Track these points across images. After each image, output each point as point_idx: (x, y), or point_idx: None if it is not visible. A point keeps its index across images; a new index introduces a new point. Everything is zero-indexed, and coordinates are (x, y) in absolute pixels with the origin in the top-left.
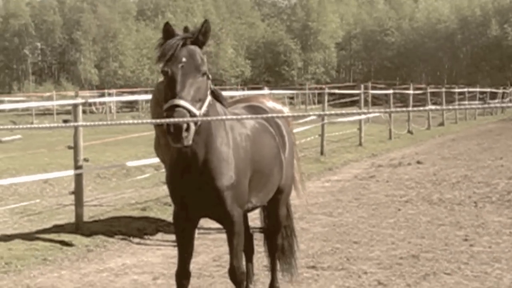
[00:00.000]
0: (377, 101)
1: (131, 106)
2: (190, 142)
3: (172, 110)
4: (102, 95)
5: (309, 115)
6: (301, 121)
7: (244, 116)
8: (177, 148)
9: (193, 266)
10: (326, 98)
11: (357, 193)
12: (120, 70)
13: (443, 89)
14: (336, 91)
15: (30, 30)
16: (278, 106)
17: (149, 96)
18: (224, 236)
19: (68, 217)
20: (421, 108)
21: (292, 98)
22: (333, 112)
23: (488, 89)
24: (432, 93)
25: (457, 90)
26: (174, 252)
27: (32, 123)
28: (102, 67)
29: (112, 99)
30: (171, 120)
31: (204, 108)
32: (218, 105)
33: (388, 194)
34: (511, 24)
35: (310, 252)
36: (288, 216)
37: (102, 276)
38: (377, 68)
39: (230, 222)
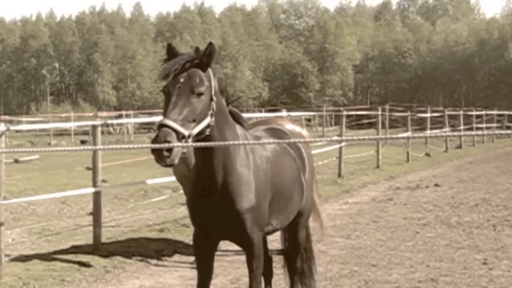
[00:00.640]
0: (394, 123)
1: (148, 127)
2: (175, 162)
3: (159, 129)
4: (120, 116)
5: (331, 140)
6: (319, 143)
7: (251, 142)
8: (196, 170)
9: None
10: (344, 120)
11: (375, 216)
12: (137, 91)
13: (461, 112)
14: (354, 112)
15: (49, 50)
16: (297, 128)
17: None
18: (242, 258)
19: (86, 237)
20: (439, 134)
21: (309, 120)
22: (355, 137)
23: (506, 112)
24: (450, 116)
25: (474, 113)
26: (192, 273)
27: (50, 143)
28: (120, 88)
29: (130, 120)
30: (171, 145)
31: (199, 128)
32: (238, 127)
33: (406, 217)
34: None
35: (328, 275)
36: (307, 238)
37: None
38: (394, 90)
39: (250, 245)
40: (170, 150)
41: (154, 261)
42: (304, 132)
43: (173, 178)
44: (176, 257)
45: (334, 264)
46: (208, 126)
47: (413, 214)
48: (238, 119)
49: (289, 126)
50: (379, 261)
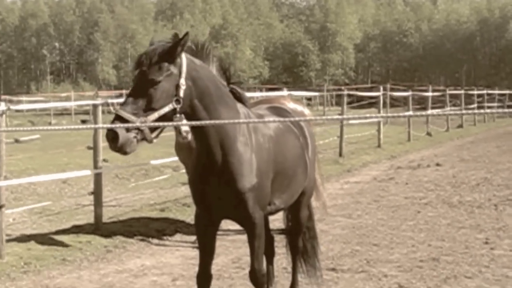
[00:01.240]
0: (395, 102)
1: None
2: (127, 149)
3: (112, 120)
4: (120, 95)
5: (332, 118)
6: (319, 122)
7: (245, 120)
8: (196, 150)
9: (212, 268)
10: (345, 100)
11: (376, 195)
12: None
13: (462, 91)
14: (355, 92)
15: (49, 30)
16: (299, 107)
17: None
18: (243, 237)
19: (87, 217)
20: (441, 113)
21: (310, 99)
22: (356, 115)
23: (507, 91)
24: (451, 95)
25: (476, 92)
26: (193, 253)
27: (50, 123)
28: (120, 68)
29: None
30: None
31: (156, 115)
32: (240, 106)
33: (407, 196)
34: None
35: (330, 254)
36: (310, 217)
37: (121, 277)
38: (395, 70)
39: (251, 224)
40: (116, 139)
41: (155, 241)
42: (306, 111)
43: (174, 158)
44: (178, 236)
45: (335, 243)
46: (173, 112)
47: (415, 194)
48: (240, 98)
49: (291, 105)
50: (381, 241)
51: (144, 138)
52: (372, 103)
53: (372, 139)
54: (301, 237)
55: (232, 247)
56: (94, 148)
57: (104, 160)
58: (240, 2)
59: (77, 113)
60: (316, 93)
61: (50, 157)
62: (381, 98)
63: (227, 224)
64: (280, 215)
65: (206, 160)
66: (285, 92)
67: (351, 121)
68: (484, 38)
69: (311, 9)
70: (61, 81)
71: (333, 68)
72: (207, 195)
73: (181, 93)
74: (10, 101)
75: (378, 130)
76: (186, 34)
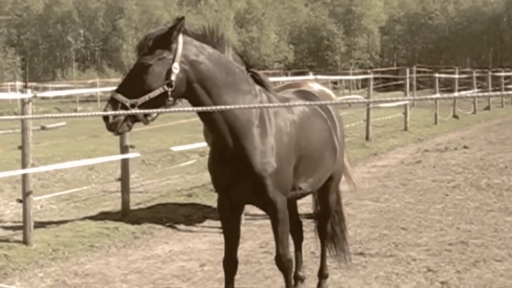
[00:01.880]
0: (421, 85)
1: None
2: (119, 129)
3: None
4: None
5: (359, 101)
6: (346, 105)
7: (251, 106)
8: (212, 135)
9: (240, 253)
10: (371, 83)
11: (404, 179)
12: None
13: (489, 73)
14: (381, 75)
15: (74, 17)
16: (326, 90)
17: None
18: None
19: (114, 203)
20: (468, 95)
21: (335, 83)
22: (382, 99)
23: None
24: (478, 77)
25: (503, 74)
26: (220, 238)
27: (76, 110)
28: None
29: None
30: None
31: (147, 98)
32: (259, 90)
33: (435, 180)
34: None
35: (357, 239)
36: (338, 201)
37: (149, 263)
38: (421, 52)
39: (273, 209)
40: (106, 119)
41: (182, 226)
42: (333, 94)
43: (200, 144)
44: (205, 222)
45: (363, 227)
46: (166, 95)
47: (442, 177)
48: (261, 82)
49: (317, 87)
50: (409, 224)
51: (137, 120)
52: (398, 86)
53: (399, 122)
54: (329, 221)
55: (259, 232)
56: (121, 135)
57: (130, 146)
58: None
59: (102, 100)
60: (342, 77)
61: (76, 144)
62: (407, 80)
63: (254, 209)
64: (307, 199)
65: (221, 145)
66: (311, 76)
67: (377, 104)
68: (511, 19)
69: None
70: (86, 68)
71: (359, 52)
72: (225, 180)
73: (173, 77)
74: (36, 88)
75: (405, 113)
76: (182, 18)
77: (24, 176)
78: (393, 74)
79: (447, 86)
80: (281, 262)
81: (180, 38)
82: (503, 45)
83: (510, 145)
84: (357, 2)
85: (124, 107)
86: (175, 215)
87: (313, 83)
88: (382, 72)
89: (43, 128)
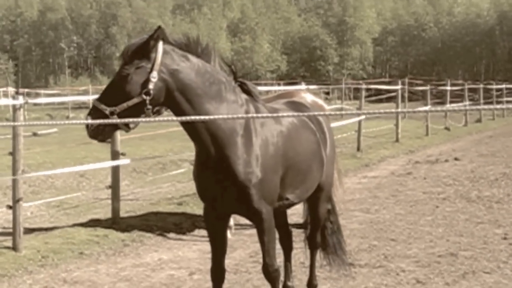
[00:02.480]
0: (413, 96)
1: None
2: (98, 138)
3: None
4: None
5: (351, 113)
6: (337, 116)
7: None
8: (195, 144)
9: (229, 262)
10: (363, 94)
11: (394, 190)
12: None
13: (481, 86)
14: (373, 86)
15: (67, 23)
16: (319, 101)
17: None
18: None
19: (104, 211)
20: (458, 108)
21: (328, 93)
22: (375, 111)
23: None
24: (470, 89)
25: (494, 86)
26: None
27: (68, 116)
28: None
29: None
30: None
31: (125, 106)
32: (246, 100)
33: (425, 191)
34: None
35: (347, 249)
36: (333, 212)
37: (138, 271)
38: (414, 64)
39: (259, 219)
40: (88, 127)
41: (172, 235)
42: (326, 105)
43: (191, 152)
44: (195, 231)
45: (353, 238)
46: (143, 104)
47: (433, 188)
48: (249, 92)
49: (309, 98)
50: (399, 236)
51: (118, 128)
52: (391, 97)
53: (390, 133)
54: (319, 231)
55: (249, 241)
56: (112, 142)
57: (121, 154)
58: None
59: None
60: (334, 87)
61: (67, 151)
62: (399, 92)
63: (244, 218)
64: (297, 209)
65: (204, 154)
66: (303, 86)
67: (369, 116)
68: (503, 32)
69: (329, 3)
70: (79, 75)
71: (351, 62)
72: (210, 190)
73: (151, 86)
74: (28, 94)
75: (396, 125)
76: (158, 28)
77: (15, 182)
78: (385, 85)
79: (439, 98)
80: (268, 272)
81: (160, 47)
82: (495, 58)
83: (500, 157)
84: (351, 13)
85: (104, 115)
86: (165, 223)
87: (305, 93)
88: (375, 83)
89: (34, 134)
